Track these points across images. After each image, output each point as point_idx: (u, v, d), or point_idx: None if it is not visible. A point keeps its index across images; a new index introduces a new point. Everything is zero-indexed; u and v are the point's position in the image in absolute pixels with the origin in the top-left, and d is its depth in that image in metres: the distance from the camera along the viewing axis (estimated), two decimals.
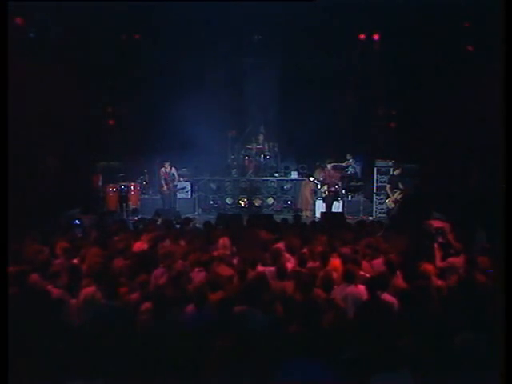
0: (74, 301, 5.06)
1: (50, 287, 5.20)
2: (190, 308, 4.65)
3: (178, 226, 9.37)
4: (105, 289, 4.91)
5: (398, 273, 5.71)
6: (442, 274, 6.10)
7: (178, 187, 13.23)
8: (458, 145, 10.17)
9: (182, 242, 7.48)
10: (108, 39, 11.42)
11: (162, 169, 12.70)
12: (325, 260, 6.11)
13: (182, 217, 10.91)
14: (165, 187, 12.67)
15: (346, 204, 13.33)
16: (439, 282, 5.66)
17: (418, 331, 3.91)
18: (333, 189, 12.27)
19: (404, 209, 11.83)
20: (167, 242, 7.38)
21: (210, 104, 13.22)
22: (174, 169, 12.78)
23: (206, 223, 9.24)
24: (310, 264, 6.10)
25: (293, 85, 14.09)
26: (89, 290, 5.13)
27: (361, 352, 3.61)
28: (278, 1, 9.81)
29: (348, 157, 14.51)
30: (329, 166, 12.39)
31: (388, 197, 11.92)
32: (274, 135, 14.82)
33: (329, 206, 12.46)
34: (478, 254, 6.50)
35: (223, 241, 7.34)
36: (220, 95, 13.80)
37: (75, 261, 6.27)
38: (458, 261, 6.46)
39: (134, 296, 5.07)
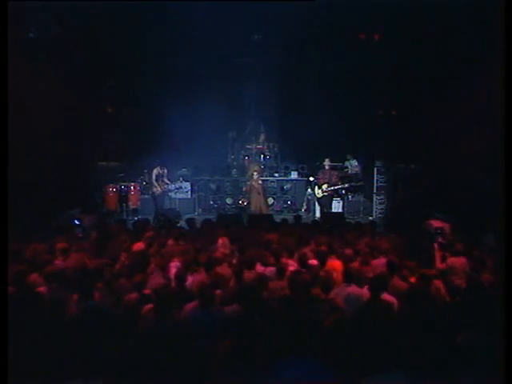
0: (73, 301, 5.06)
1: (49, 287, 5.20)
2: (192, 305, 4.65)
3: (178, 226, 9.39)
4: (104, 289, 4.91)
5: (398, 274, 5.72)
6: (442, 274, 6.11)
7: (172, 188, 13.17)
8: (458, 145, 10.15)
9: (182, 242, 7.50)
10: (108, 39, 11.41)
11: (155, 170, 12.57)
12: (323, 260, 6.13)
13: (185, 218, 10.84)
14: (157, 188, 12.53)
15: (345, 204, 13.34)
16: (438, 283, 5.66)
17: (417, 331, 3.91)
18: (332, 188, 12.23)
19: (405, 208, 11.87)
20: (169, 242, 7.39)
21: (210, 104, 13.22)
22: (165, 170, 12.68)
23: (206, 221, 9.27)
24: (310, 264, 6.10)
25: (293, 85, 14.09)
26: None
27: (360, 352, 3.61)
28: (278, 1, 9.80)
29: (348, 157, 14.53)
30: (326, 166, 12.34)
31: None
32: (274, 135, 14.83)
33: (326, 206, 12.42)
34: (484, 255, 6.48)
35: (222, 240, 7.36)
36: (220, 95, 13.80)
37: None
38: (457, 261, 6.45)
39: (133, 296, 5.07)
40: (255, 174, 12.64)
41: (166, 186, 12.58)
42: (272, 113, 14.72)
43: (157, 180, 12.41)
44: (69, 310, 4.70)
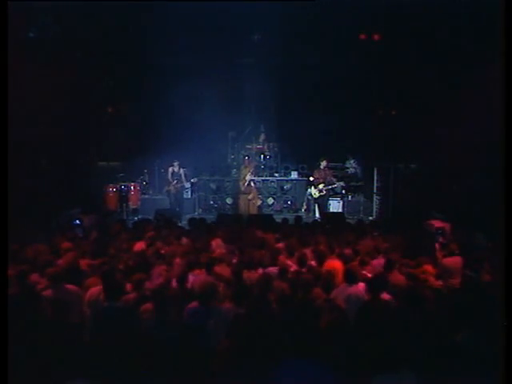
0: (74, 301, 5.06)
1: (49, 287, 5.20)
2: (193, 305, 4.65)
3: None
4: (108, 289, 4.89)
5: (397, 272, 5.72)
6: (440, 274, 6.11)
7: (185, 188, 13.26)
8: (458, 144, 10.16)
9: (183, 241, 7.50)
10: (108, 39, 11.42)
11: (170, 168, 12.70)
12: (323, 260, 6.12)
13: (185, 218, 10.86)
14: (172, 187, 12.64)
15: (346, 204, 13.34)
16: (437, 283, 5.66)
17: (417, 331, 3.91)
18: (328, 187, 12.18)
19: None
20: (169, 242, 7.38)
21: (210, 104, 13.21)
22: (182, 169, 12.76)
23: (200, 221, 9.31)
24: (310, 264, 6.10)
25: (293, 85, 14.08)
26: (93, 291, 5.13)
27: (361, 352, 3.60)
28: (278, 1, 9.81)
29: (348, 157, 14.52)
30: (322, 166, 12.29)
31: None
32: (274, 135, 14.82)
33: (323, 206, 12.39)
34: (477, 255, 6.47)
35: (216, 242, 7.34)
36: (220, 95, 13.79)
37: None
38: (452, 261, 6.43)
39: (132, 296, 5.06)
40: (248, 174, 12.47)
41: (181, 185, 12.65)
42: (272, 113, 14.71)
43: (172, 178, 12.48)
44: (71, 310, 4.69)
